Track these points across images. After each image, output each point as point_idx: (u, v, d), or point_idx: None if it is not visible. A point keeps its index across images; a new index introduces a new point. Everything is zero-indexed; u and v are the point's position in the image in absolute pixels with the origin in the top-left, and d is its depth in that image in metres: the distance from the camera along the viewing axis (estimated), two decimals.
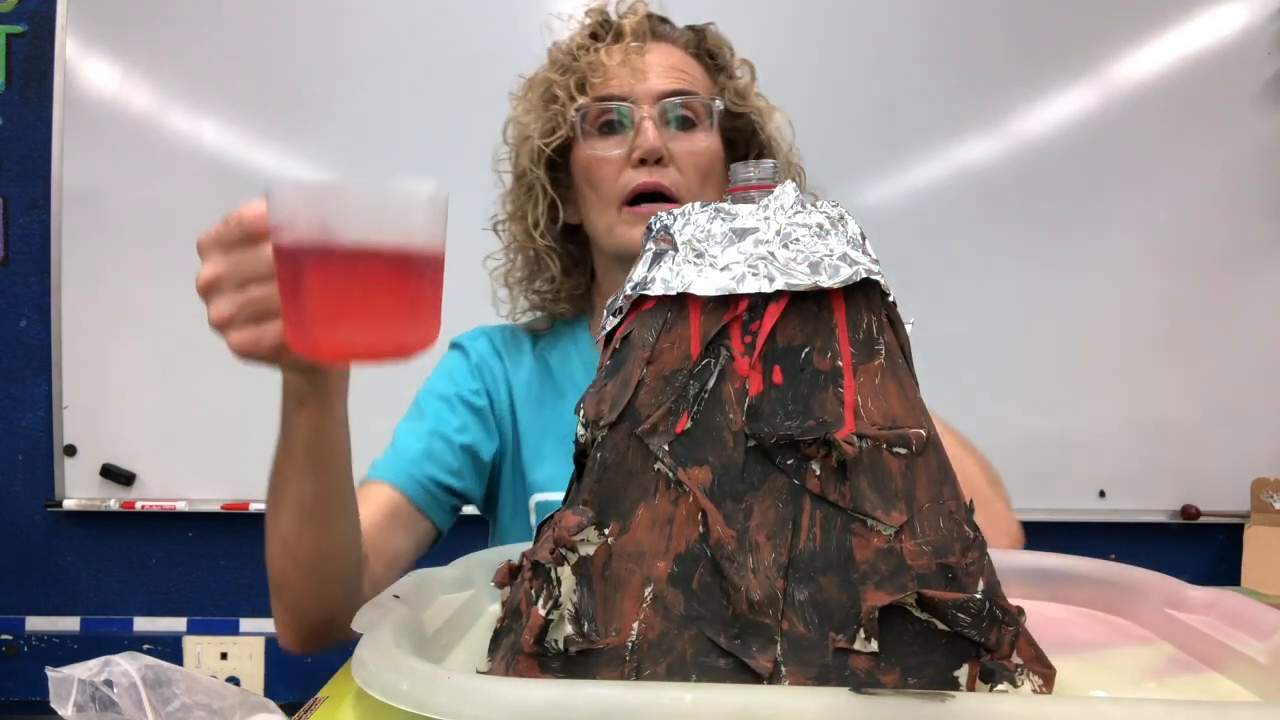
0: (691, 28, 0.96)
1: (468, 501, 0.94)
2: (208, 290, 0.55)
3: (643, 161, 0.88)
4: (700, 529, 0.47)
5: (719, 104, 0.92)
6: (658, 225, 0.55)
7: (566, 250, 0.98)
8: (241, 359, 0.56)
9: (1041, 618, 0.64)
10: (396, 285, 0.50)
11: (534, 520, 0.94)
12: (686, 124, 0.90)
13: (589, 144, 0.91)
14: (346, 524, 0.70)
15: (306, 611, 0.72)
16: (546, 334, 1.01)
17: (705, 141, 0.91)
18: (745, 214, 0.52)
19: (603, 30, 0.93)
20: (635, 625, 0.45)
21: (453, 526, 0.92)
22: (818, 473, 0.47)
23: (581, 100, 0.90)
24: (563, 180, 0.95)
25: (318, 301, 0.50)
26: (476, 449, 0.93)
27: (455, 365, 0.98)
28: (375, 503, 0.84)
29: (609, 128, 0.90)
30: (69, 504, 1.82)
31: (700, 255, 0.51)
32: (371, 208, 0.50)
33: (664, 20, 0.96)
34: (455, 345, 1.01)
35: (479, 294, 1.02)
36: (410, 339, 0.52)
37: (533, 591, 0.47)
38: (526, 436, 0.95)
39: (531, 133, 0.93)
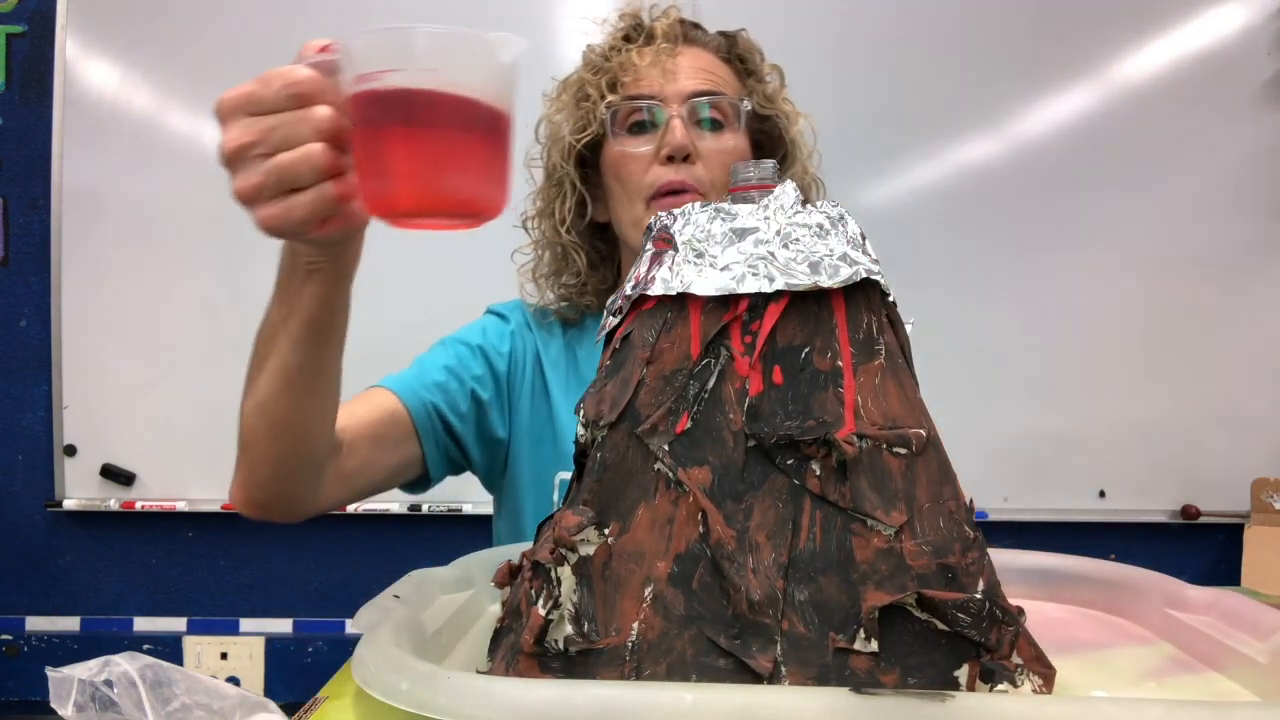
0: (723, 33, 0.98)
1: (464, 458, 0.93)
2: (234, 159, 0.52)
3: (670, 159, 0.89)
4: (700, 529, 0.47)
5: (747, 104, 0.93)
6: (657, 225, 0.55)
7: (594, 246, 1.00)
8: (268, 233, 0.54)
9: (1041, 618, 0.64)
10: (485, 141, 0.50)
11: (556, 497, 0.94)
12: (715, 124, 0.91)
13: (618, 141, 0.92)
14: (326, 401, 0.70)
15: (264, 478, 0.73)
16: (575, 324, 1.02)
17: (733, 141, 0.92)
18: (745, 214, 0.52)
19: (635, 33, 0.95)
20: (635, 625, 0.45)
21: (437, 477, 0.91)
22: (818, 473, 0.47)
23: (612, 98, 0.91)
24: (592, 178, 0.97)
25: (406, 153, 0.48)
26: (486, 407, 0.93)
27: (490, 325, 0.99)
28: (375, 405, 0.85)
29: (639, 126, 0.91)
30: (69, 504, 1.82)
31: (700, 255, 0.51)
32: (475, 57, 0.49)
33: (696, 26, 0.97)
34: (492, 311, 1.02)
35: (509, 289, 1.04)
36: (492, 198, 0.52)
37: (533, 591, 0.47)
38: (558, 409, 0.96)
39: (564, 131, 0.95)
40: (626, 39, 0.95)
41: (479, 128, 0.49)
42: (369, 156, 0.50)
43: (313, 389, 0.68)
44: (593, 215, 0.98)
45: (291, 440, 0.70)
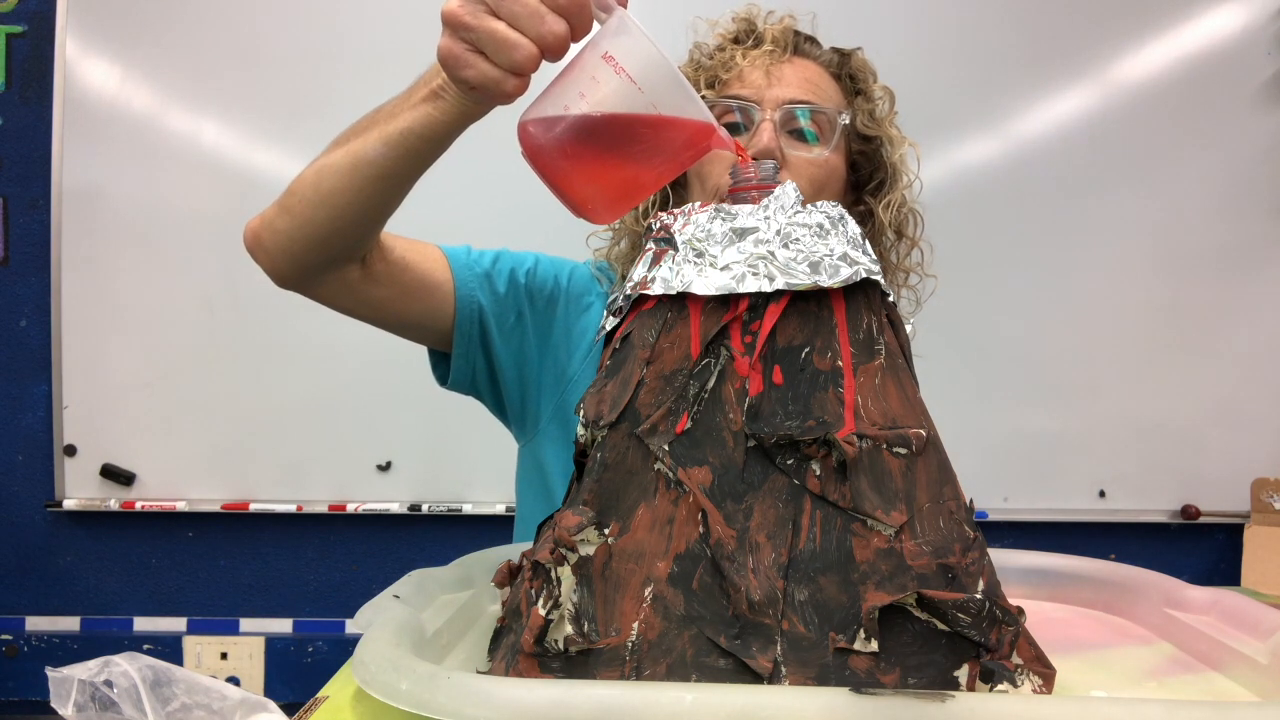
0: (837, 50, 0.95)
1: (490, 372, 0.92)
2: None
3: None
4: (700, 529, 0.47)
5: (845, 117, 0.90)
6: (658, 225, 0.55)
7: None
8: (438, 58, 0.57)
9: (1041, 618, 0.64)
10: (644, 172, 0.54)
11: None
12: (809, 136, 0.89)
13: None
14: (374, 207, 0.73)
15: (284, 226, 0.75)
16: None
17: (826, 156, 0.89)
18: (745, 214, 0.52)
19: (746, 36, 0.93)
20: (635, 625, 0.45)
21: (451, 370, 0.91)
22: (818, 473, 0.47)
23: (708, 94, 0.89)
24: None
25: (581, 137, 0.51)
26: (526, 331, 0.92)
27: (580, 271, 0.98)
28: (428, 257, 0.86)
29: (731, 127, 0.89)
30: (69, 504, 1.82)
31: (700, 255, 0.51)
32: (688, 104, 0.52)
33: (810, 39, 0.95)
34: (589, 264, 1.00)
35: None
36: (602, 217, 0.56)
37: (533, 591, 0.47)
38: None
39: None
40: (736, 40, 0.93)
41: (645, 169, 0.54)
42: (555, 99, 0.52)
43: (371, 188, 0.70)
44: (673, 208, 0.97)
45: (327, 216, 0.72)
